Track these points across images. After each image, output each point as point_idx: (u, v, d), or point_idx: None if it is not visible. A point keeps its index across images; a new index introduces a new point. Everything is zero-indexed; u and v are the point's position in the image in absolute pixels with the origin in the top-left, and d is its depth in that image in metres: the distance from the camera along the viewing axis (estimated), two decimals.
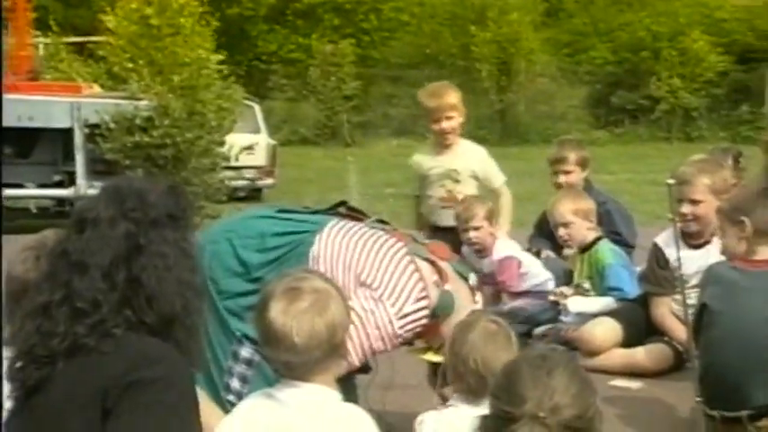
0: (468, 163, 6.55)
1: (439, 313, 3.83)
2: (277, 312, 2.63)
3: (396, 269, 3.79)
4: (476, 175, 6.55)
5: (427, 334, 3.89)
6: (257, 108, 16.79)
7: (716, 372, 4.18)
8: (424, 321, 3.81)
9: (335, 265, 3.77)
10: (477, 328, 3.17)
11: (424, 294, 3.79)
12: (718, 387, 4.16)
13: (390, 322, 3.73)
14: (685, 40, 25.35)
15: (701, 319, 4.27)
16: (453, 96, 6.60)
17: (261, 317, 2.68)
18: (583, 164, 6.83)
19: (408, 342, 3.97)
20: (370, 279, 3.76)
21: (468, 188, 6.53)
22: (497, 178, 6.63)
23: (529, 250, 6.77)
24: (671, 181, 4.28)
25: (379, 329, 3.70)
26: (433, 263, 3.88)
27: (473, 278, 4.05)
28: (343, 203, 4.27)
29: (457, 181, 6.54)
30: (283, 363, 2.67)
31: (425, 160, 6.70)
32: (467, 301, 3.90)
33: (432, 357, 3.98)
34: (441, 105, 6.56)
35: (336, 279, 3.34)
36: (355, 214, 4.16)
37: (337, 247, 3.83)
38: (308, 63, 26.09)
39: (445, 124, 6.54)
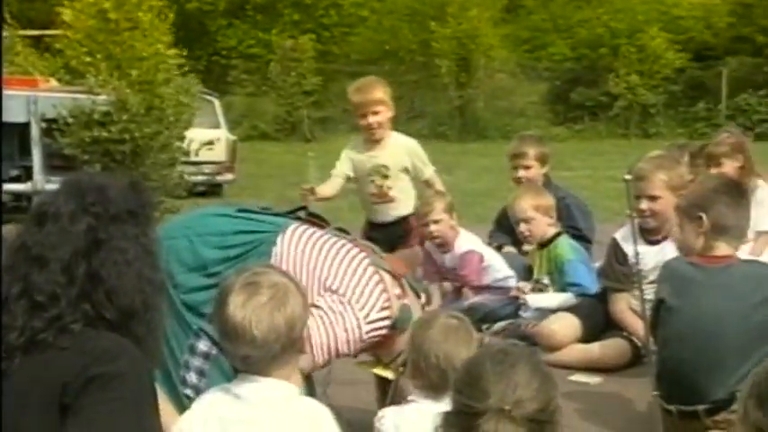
0: (396, 157, 6.53)
1: (398, 326, 3.84)
2: (236, 306, 2.63)
3: (362, 277, 3.80)
4: (406, 168, 6.55)
5: (382, 346, 3.88)
6: (217, 103, 16.69)
7: (673, 367, 4.22)
8: (384, 332, 3.81)
9: (299, 267, 3.76)
10: (438, 323, 3.17)
11: (387, 305, 3.80)
12: (676, 382, 4.20)
13: (359, 327, 3.74)
14: (643, 37, 25.51)
15: (659, 315, 4.30)
16: (380, 91, 6.56)
17: (220, 311, 2.68)
18: (542, 159, 6.86)
19: (355, 354, 3.96)
20: (336, 285, 3.76)
21: (398, 183, 6.53)
22: (426, 170, 6.61)
23: (489, 245, 6.80)
24: (628, 177, 4.31)
25: (347, 332, 3.70)
26: (394, 276, 3.89)
27: (424, 298, 4.08)
28: (303, 208, 4.27)
29: (386, 176, 6.53)
30: (242, 357, 2.68)
31: (355, 156, 6.65)
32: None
33: (381, 371, 3.98)
34: (366, 100, 6.53)
35: (300, 281, 3.34)
36: (315, 220, 4.15)
37: (300, 249, 3.82)
38: (268, 58, 25.99)
39: (371, 119, 6.49)
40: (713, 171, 6.66)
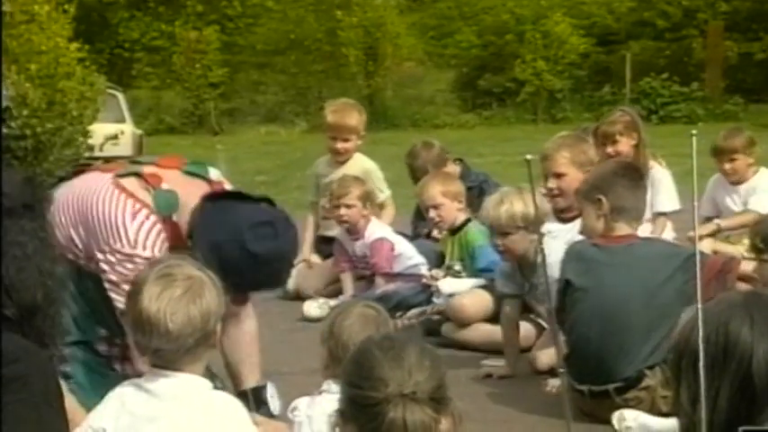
0: None
1: (164, 212, 3.74)
2: (150, 298, 2.60)
3: (102, 209, 3.71)
4: None
5: (175, 238, 3.76)
6: (121, 97, 16.44)
7: (582, 348, 4.28)
8: (158, 227, 3.71)
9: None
10: (355, 313, 3.17)
11: (138, 207, 3.71)
12: (585, 362, 4.25)
13: (130, 259, 3.63)
14: (548, 23, 25.75)
15: (565, 297, 4.34)
16: (355, 119, 6.84)
17: (133, 303, 2.64)
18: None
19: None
20: (100, 238, 3.69)
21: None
22: (382, 193, 6.73)
23: (417, 235, 6.86)
24: (529, 156, 4.35)
25: (130, 272, 3.53)
26: (139, 174, 3.80)
27: (215, 172, 3.98)
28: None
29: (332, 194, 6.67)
30: (154, 350, 2.65)
31: (321, 168, 7.00)
32: (195, 197, 3.77)
33: None
34: (340, 126, 6.82)
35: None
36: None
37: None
38: (173, 50, 25.69)
39: (340, 145, 6.80)
40: (609, 150, 6.73)
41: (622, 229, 4.38)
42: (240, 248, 3.59)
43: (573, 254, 4.42)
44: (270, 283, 3.88)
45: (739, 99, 24.61)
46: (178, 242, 3.74)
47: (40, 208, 2.48)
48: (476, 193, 6.96)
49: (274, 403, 3.97)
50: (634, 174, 4.57)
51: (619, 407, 4.20)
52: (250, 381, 4.01)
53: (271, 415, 3.91)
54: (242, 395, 3.80)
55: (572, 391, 4.21)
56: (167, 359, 2.65)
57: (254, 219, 3.67)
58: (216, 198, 3.75)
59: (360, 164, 6.87)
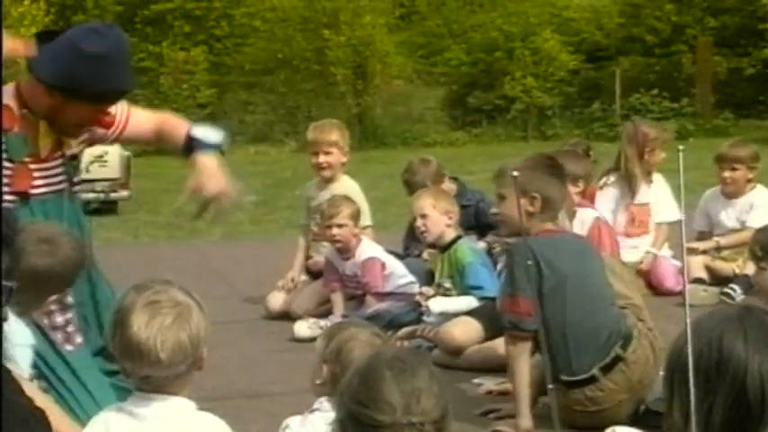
0: None
1: (14, 156, 3.71)
2: (139, 327, 2.58)
3: None
4: None
5: (20, 178, 3.73)
6: None
7: (554, 342, 4.35)
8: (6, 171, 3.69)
9: None
10: (363, 342, 3.16)
11: None
12: (557, 356, 4.37)
13: None
14: (537, 40, 25.80)
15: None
16: (335, 134, 6.85)
17: (120, 331, 2.61)
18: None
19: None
20: None
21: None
22: (363, 219, 6.75)
23: (408, 255, 6.87)
24: (515, 173, 4.39)
25: None
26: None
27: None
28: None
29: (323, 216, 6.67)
30: (142, 377, 2.63)
31: (310, 191, 7.05)
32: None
33: None
34: (320, 140, 6.83)
35: None
36: None
37: None
38: (160, 71, 25.68)
39: (322, 158, 6.78)
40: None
41: (551, 223, 4.58)
42: (76, 54, 3.66)
43: (536, 253, 4.42)
44: (122, 79, 3.86)
45: (729, 114, 24.68)
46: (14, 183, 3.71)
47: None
48: (472, 212, 7.00)
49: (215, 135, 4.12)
50: (556, 167, 4.72)
51: (586, 396, 4.38)
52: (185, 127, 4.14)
53: (219, 149, 4.07)
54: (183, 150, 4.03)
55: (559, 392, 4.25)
56: (156, 385, 2.64)
57: (82, 32, 3.77)
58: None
59: (345, 187, 6.86)
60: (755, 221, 6.62)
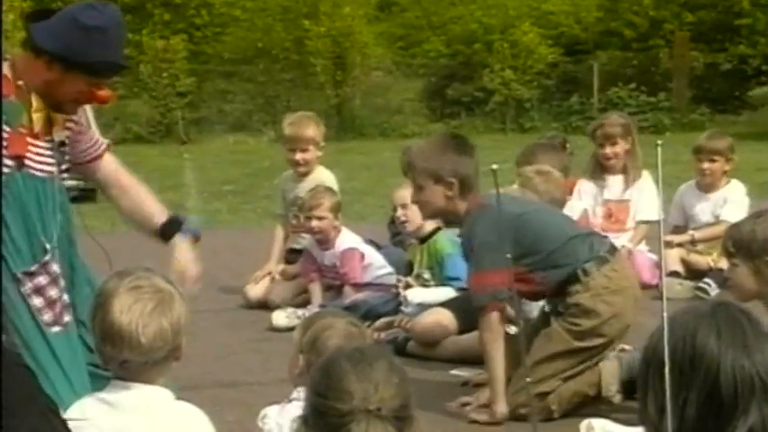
0: None
1: (12, 122, 3.74)
2: (122, 311, 2.59)
3: None
4: None
5: (15, 142, 3.75)
6: (87, 106, 16.31)
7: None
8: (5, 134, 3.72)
9: None
10: (339, 330, 3.17)
11: None
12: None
13: None
14: (516, 33, 25.82)
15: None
16: (312, 130, 6.86)
17: (101, 315, 2.63)
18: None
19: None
20: None
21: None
22: None
23: (398, 242, 6.89)
24: (495, 166, 4.40)
25: None
26: None
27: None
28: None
29: (300, 208, 6.78)
30: (121, 362, 2.64)
31: (285, 182, 7.07)
32: None
33: None
34: (297, 137, 6.87)
35: None
36: None
37: None
38: (140, 59, 25.55)
39: (299, 156, 6.83)
40: (607, 150, 6.93)
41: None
42: (76, 26, 3.70)
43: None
44: (118, 54, 3.88)
45: (705, 109, 24.78)
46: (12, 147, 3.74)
47: None
48: None
49: (193, 224, 4.14)
50: (466, 143, 4.79)
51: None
52: (162, 215, 4.13)
53: (196, 236, 4.05)
54: (162, 230, 4.02)
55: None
56: (134, 371, 2.65)
57: (80, 8, 3.79)
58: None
59: (321, 178, 6.87)
60: (730, 215, 6.67)
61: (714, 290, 6.59)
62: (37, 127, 3.82)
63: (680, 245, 7.11)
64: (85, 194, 15.19)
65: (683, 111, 24.68)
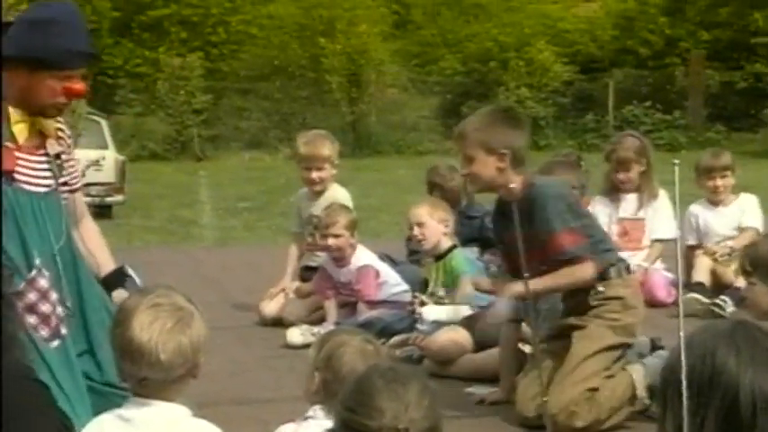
0: None
1: None
2: (142, 327, 2.60)
3: None
4: None
5: (4, 158, 3.70)
6: (104, 123, 16.39)
7: None
8: None
9: None
10: (354, 348, 3.15)
11: None
12: None
13: None
14: (531, 51, 25.87)
15: None
16: (327, 148, 6.87)
17: (121, 331, 2.63)
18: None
19: None
20: None
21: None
22: None
23: (417, 260, 6.89)
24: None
25: None
26: None
27: None
28: None
29: (316, 227, 6.76)
30: (140, 379, 2.65)
31: (301, 200, 7.06)
32: None
33: None
34: (313, 155, 6.85)
35: None
36: None
37: None
38: (156, 77, 25.68)
39: (314, 174, 6.83)
40: (620, 176, 6.98)
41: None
42: (26, 25, 3.73)
43: None
44: (77, 41, 3.82)
45: (721, 127, 24.77)
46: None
47: None
48: (477, 225, 7.00)
49: (137, 276, 4.08)
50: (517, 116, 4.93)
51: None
52: (109, 265, 4.09)
53: (138, 287, 3.94)
54: (106, 280, 3.98)
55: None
56: (153, 388, 2.66)
57: (29, 8, 3.90)
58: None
59: (336, 195, 6.88)
60: (754, 222, 7.01)
61: (730, 307, 6.57)
62: (21, 139, 3.80)
63: (718, 255, 7.12)
64: (101, 211, 15.31)
65: (699, 129, 24.66)
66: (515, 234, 4.11)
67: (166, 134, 25.26)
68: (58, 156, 3.89)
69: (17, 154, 3.76)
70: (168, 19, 28.17)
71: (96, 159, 14.07)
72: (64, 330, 3.74)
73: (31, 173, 3.79)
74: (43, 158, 3.84)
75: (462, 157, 4.70)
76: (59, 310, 3.74)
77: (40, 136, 3.86)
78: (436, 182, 7.20)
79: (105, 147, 15.64)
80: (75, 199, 4.06)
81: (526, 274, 4.12)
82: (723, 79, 25.60)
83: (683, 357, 1.90)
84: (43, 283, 3.72)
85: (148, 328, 2.61)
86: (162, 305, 2.65)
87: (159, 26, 28.08)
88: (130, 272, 4.07)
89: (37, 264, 3.71)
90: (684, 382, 1.88)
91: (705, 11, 26.45)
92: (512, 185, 4.50)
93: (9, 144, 3.74)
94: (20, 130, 3.80)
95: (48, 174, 3.83)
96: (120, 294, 3.89)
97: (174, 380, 2.65)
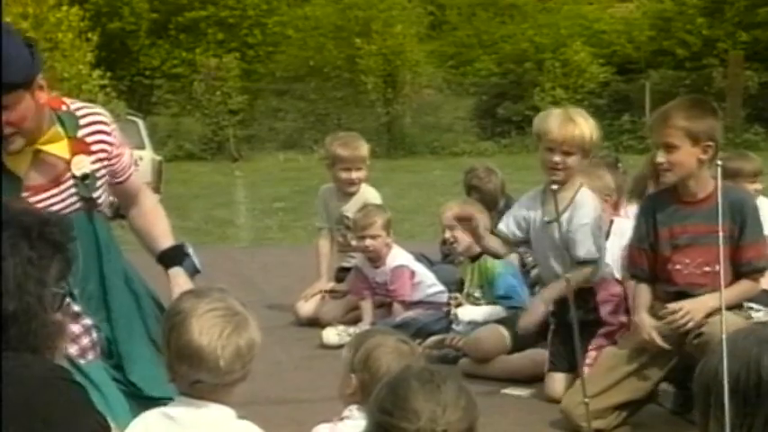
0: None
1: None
2: (200, 332, 2.60)
3: None
4: None
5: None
6: (141, 124, 16.51)
7: None
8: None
9: None
10: (390, 348, 3.14)
11: None
12: None
13: None
14: (567, 52, 25.78)
15: None
16: (365, 149, 6.95)
17: (178, 334, 2.63)
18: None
19: None
20: None
21: None
22: None
23: (452, 261, 6.89)
24: (554, 187, 4.37)
25: None
26: None
27: None
28: None
29: (348, 227, 6.75)
30: (194, 381, 2.64)
31: (330, 198, 7.04)
32: None
33: None
34: (355, 157, 6.87)
35: None
36: None
37: None
38: (193, 78, 25.82)
39: (354, 175, 6.85)
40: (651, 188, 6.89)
41: None
42: None
43: None
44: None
45: (760, 128, 24.56)
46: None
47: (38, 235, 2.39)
48: None
49: (196, 258, 3.99)
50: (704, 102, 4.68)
51: None
52: (167, 241, 3.97)
53: (195, 268, 3.93)
54: (163, 256, 3.88)
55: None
56: (205, 391, 2.65)
57: None
58: None
59: (367, 195, 6.89)
60: None
61: (758, 311, 6.50)
62: (30, 180, 3.59)
63: None
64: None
65: (737, 130, 24.45)
66: (698, 228, 4.27)
67: (202, 134, 25.39)
68: (85, 176, 3.69)
69: (34, 198, 3.56)
70: (205, 20, 28.34)
71: (134, 160, 14.15)
72: (91, 355, 3.68)
73: (54, 200, 3.63)
74: (70, 184, 3.67)
75: (662, 144, 4.53)
76: (94, 335, 3.69)
77: (48, 162, 3.64)
78: (474, 184, 7.18)
79: (142, 147, 15.75)
80: (127, 186, 3.98)
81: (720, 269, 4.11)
82: (762, 80, 25.38)
83: (724, 363, 1.88)
84: (75, 308, 3.66)
85: (208, 332, 2.60)
86: (219, 309, 2.65)
87: (196, 27, 28.25)
88: (190, 250, 3.98)
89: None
90: (727, 390, 1.86)
91: (744, 11, 26.23)
92: (703, 179, 4.42)
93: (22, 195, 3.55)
94: (20, 168, 3.57)
95: (75, 199, 3.67)
96: (176, 273, 3.86)
97: (227, 383, 2.65)
